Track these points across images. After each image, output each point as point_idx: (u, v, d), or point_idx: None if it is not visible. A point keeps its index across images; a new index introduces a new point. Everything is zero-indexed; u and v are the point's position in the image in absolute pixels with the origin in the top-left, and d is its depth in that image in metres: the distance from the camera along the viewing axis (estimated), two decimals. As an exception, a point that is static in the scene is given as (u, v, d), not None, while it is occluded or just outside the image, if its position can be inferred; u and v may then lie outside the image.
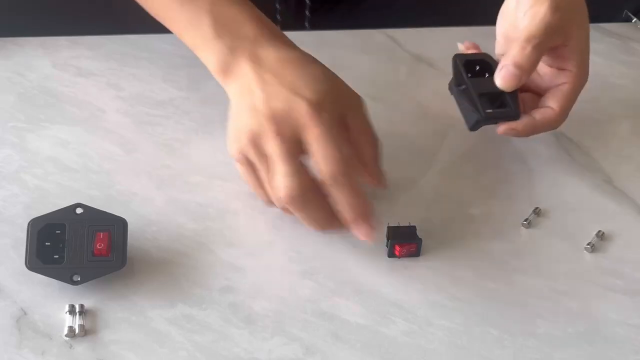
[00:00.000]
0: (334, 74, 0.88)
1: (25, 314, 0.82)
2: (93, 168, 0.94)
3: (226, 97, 1.00)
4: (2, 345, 0.79)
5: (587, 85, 1.04)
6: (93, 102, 1.00)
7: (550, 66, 0.94)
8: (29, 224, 0.84)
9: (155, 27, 1.02)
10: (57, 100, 1.00)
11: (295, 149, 0.84)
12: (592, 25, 1.10)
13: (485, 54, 0.95)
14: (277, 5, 1.15)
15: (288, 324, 0.82)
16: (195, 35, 0.91)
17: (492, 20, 1.01)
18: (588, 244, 0.89)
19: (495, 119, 0.92)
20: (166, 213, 0.90)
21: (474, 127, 0.92)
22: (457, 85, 0.93)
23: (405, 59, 1.07)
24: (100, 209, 0.85)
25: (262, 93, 0.85)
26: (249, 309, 0.83)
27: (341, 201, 0.84)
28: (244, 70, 0.87)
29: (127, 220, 0.85)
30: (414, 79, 1.05)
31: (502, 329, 0.83)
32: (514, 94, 0.92)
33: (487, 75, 0.93)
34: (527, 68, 0.91)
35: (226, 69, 0.89)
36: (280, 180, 0.84)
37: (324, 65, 0.88)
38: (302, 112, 0.84)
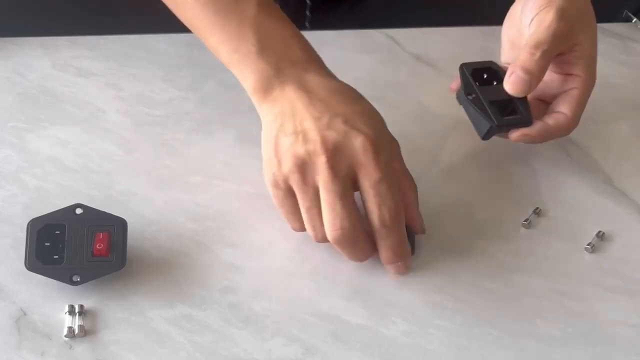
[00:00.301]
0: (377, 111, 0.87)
1: (24, 314, 0.82)
2: (93, 168, 0.94)
3: (226, 96, 1.00)
4: (2, 346, 0.79)
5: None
6: (93, 102, 1.00)
7: (557, 72, 0.94)
8: (28, 224, 0.83)
9: (155, 27, 1.02)
10: (57, 100, 1.00)
11: (349, 186, 0.82)
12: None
13: (490, 62, 0.95)
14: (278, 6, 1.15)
15: (288, 324, 0.82)
16: (234, 50, 0.88)
17: (492, 21, 1.01)
18: (588, 245, 0.89)
19: (508, 126, 0.91)
20: (166, 213, 0.90)
21: (486, 135, 0.92)
22: (467, 95, 0.92)
23: (405, 59, 1.07)
24: (100, 209, 0.85)
25: (313, 119, 0.83)
26: (249, 309, 0.83)
27: (386, 245, 0.84)
28: (290, 93, 0.85)
29: (127, 221, 0.85)
30: (415, 79, 1.05)
31: (502, 329, 0.83)
32: (523, 100, 0.91)
33: (495, 83, 0.93)
34: (536, 73, 0.90)
35: (267, 89, 0.86)
36: (334, 220, 0.82)
37: (368, 101, 0.87)
38: (360, 149, 0.82)
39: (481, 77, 0.93)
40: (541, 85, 0.93)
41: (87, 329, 0.81)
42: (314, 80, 0.86)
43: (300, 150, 0.82)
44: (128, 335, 0.81)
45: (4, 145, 0.95)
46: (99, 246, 0.82)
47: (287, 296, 0.84)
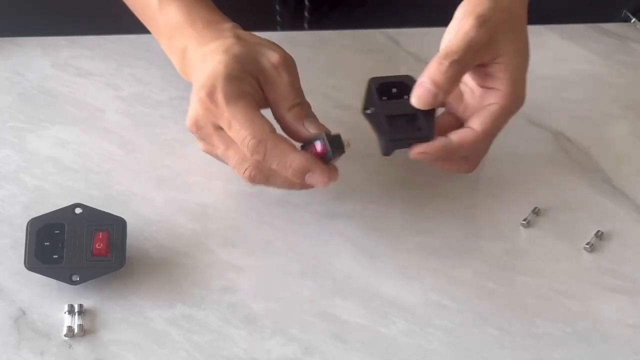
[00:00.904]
0: (242, 41, 0.86)
1: (24, 314, 0.82)
2: (92, 168, 0.94)
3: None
4: (1, 346, 0.79)
5: (587, 84, 1.04)
6: (92, 102, 1.00)
7: (480, 85, 0.88)
8: (28, 224, 0.83)
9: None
10: (57, 100, 1.00)
11: (223, 138, 0.84)
12: (591, 25, 1.10)
13: (406, 76, 0.88)
14: (277, 7, 1.15)
15: (287, 324, 0.82)
16: (164, 47, 0.93)
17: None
18: (587, 244, 0.89)
19: (404, 141, 0.85)
20: (165, 213, 0.90)
21: (386, 151, 0.86)
22: (365, 109, 0.87)
23: (405, 59, 1.07)
24: (100, 209, 0.85)
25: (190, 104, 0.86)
26: (248, 309, 0.83)
27: (278, 169, 0.83)
28: (193, 73, 0.88)
29: (127, 220, 0.85)
30: (414, 79, 1.05)
31: (502, 329, 0.83)
32: (430, 115, 0.86)
33: (405, 97, 0.87)
34: (444, 85, 0.83)
35: (190, 77, 0.89)
36: (237, 172, 0.85)
37: (232, 37, 0.86)
38: (203, 109, 0.84)
39: (390, 92, 0.87)
40: (468, 98, 0.88)
41: (86, 328, 0.81)
42: (192, 54, 0.88)
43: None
44: (127, 334, 0.81)
45: (4, 145, 0.95)
46: (98, 246, 0.82)
47: (287, 296, 0.84)
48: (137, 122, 0.98)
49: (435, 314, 0.84)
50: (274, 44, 0.87)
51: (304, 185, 0.84)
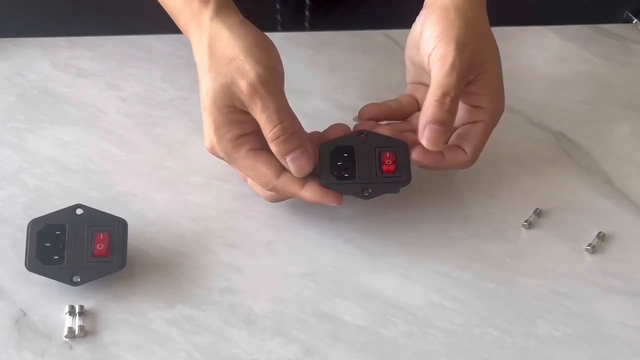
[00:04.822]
0: (215, 65, 0.83)
1: (24, 314, 0.82)
2: (93, 169, 0.94)
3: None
4: (2, 346, 0.79)
5: (588, 85, 1.04)
6: (93, 102, 1.00)
7: (464, 103, 0.89)
8: (29, 225, 0.83)
9: (155, 27, 1.02)
10: (57, 100, 1.00)
11: (242, 154, 0.85)
12: (592, 26, 1.10)
13: (349, 137, 0.87)
14: (277, 6, 1.16)
15: (288, 325, 0.82)
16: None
17: (491, 21, 1.00)
18: (588, 245, 0.89)
19: (383, 190, 0.86)
20: (166, 214, 0.90)
21: (368, 196, 0.86)
22: (329, 178, 0.85)
23: (404, 60, 1.07)
24: (100, 209, 0.85)
25: None
26: (249, 309, 0.83)
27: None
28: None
29: (127, 221, 0.85)
30: (414, 80, 1.05)
31: (502, 329, 0.83)
32: (405, 156, 0.86)
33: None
34: (449, 123, 0.86)
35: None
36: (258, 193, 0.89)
37: (207, 58, 0.84)
38: (212, 152, 0.86)
39: (342, 157, 0.86)
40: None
41: (87, 329, 0.81)
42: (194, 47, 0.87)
43: None
44: (128, 335, 0.81)
45: (4, 145, 0.95)
46: (99, 246, 0.82)
47: (287, 296, 0.84)
48: (137, 123, 0.98)
49: (436, 314, 0.84)
50: (247, 56, 0.83)
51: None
